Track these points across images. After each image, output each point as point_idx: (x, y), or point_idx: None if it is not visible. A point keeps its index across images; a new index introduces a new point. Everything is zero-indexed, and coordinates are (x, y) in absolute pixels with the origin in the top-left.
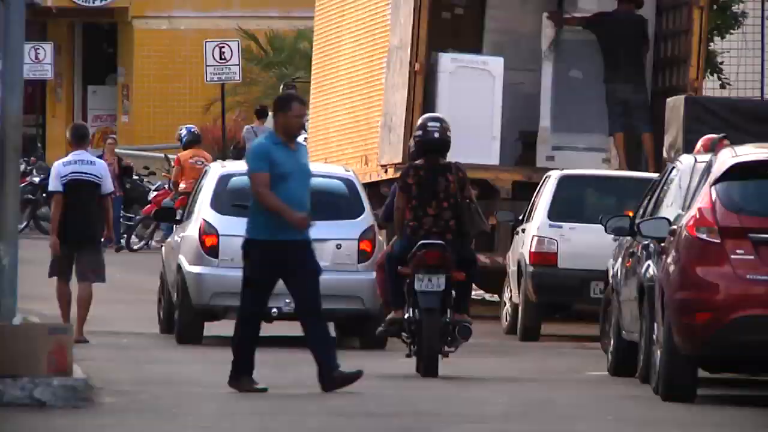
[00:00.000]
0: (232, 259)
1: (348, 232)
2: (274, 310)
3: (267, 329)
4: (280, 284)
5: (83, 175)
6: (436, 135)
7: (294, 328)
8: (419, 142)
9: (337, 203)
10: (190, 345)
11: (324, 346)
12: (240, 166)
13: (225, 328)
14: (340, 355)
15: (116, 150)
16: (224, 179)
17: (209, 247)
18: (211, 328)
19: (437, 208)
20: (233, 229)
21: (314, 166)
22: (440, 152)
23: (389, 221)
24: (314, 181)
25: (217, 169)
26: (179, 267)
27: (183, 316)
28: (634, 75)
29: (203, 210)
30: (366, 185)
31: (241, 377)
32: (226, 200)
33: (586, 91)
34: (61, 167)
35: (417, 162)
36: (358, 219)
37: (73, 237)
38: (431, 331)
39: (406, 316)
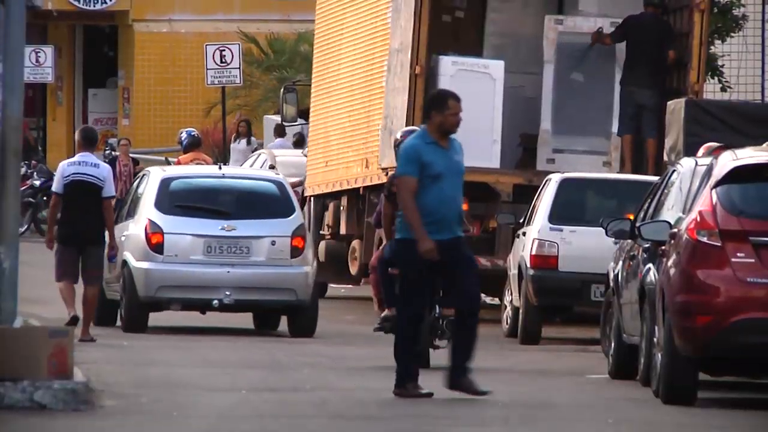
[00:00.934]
0: (176, 255)
1: (281, 229)
2: (215, 301)
3: (205, 320)
4: (222, 276)
5: (85, 176)
6: None
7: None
8: None
9: (271, 204)
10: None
11: (466, 347)
12: (179, 170)
13: (170, 318)
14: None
15: (130, 153)
16: (166, 182)
17: (155, 244)
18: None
19: None
20: (176, 227)
21: (247, 171)
22: None
23: (380, 227)
24: (249, 183)
25: (158, 174)
26: (125, 262)
27: (130, 307)
28: (653, 80)
29: (147, 210)
30: (367, 188)
31: (407, 383)
32: (168, 201)
33: (587, 94)
34: (66, 167)
35: None
36: (290, 218)
37: (78, 238)
38: (423, 326)
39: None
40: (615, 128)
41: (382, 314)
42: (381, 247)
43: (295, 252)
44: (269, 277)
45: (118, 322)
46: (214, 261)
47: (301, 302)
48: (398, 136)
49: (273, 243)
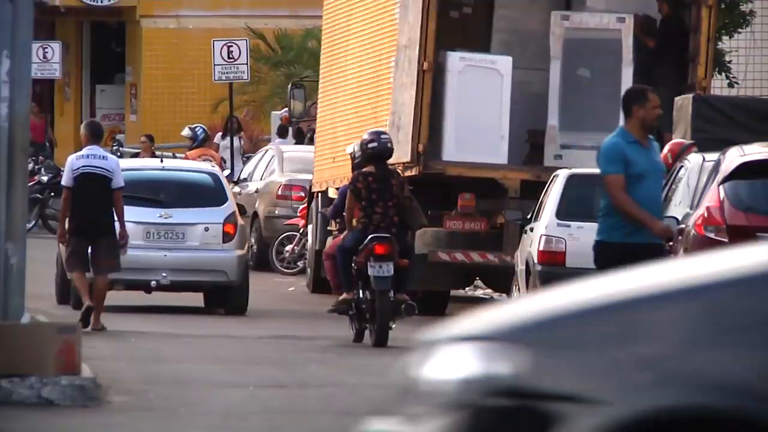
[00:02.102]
0: None
1: (214, 217)
2: (153, 282)
3: (148, 299)
4: (160, 259)
5: (95, 168)
6: (388, 145)
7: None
8: (372, 151)
9: (205, 193)
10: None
11: None
12: (125, 164)
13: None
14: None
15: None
16: None
17: None
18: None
19: (384, 206)
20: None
21: (186, 164)
22: (387, 159)
23: (336, 218)
24: (186, 175)
25: None
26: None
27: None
28: (673, 75)
29: None
30: None
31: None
32: None
33: (594, 89)
34: (75, 161)
35: (365, 170)
36: (223, 206)
37: (87, 229)
38: (383, 309)
39: (356, 297)
40: (622, 123)
41: (339, 297)
42: (342, 237)
43: (227, 237)
44: (202, 260)
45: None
46: (153, 246)
47: (232, 282)
48: (354, 147)
49: (206, 229)
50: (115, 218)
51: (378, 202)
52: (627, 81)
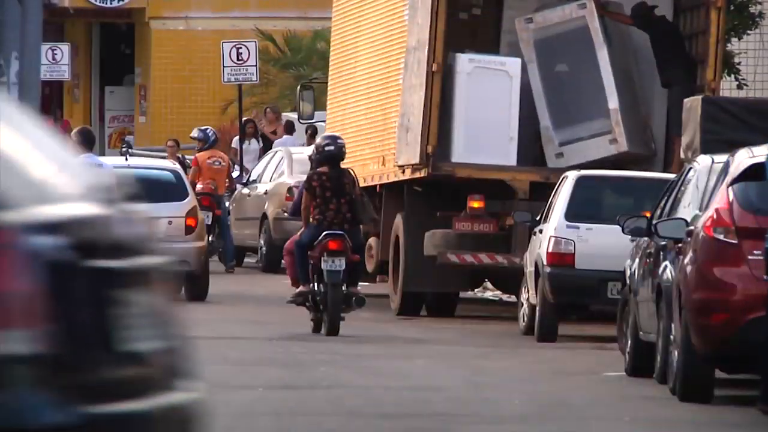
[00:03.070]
0: None
1: (176, 211)
2: None
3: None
4: None
5: None
6: (342, 149)
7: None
8: (328, 153)
9: (168, 189)
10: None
11: None
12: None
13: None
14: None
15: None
16: None
17: None
18: None
19: (337, 204)
20: None
21: (149, 161)
22: (341, 161)
23: (295, 215)
24: (149, 172)
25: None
26: None
27: None
28: (684, 76)
29: None
30: (384, 186)
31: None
32: None
33: (575, 82)
34: None
35: (320, 169)
36: (184, 201)
37: None
38: (336, 300)
39: (311, 289)
40: (611, 104)
41: (297, 290)
42: (299, 233)
43: (189, 230)
44: (167, 251)
45: None
46: None
47: (194, 272)
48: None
49: (170, 222)
50: None
51: (332, 200)
52: (604, 62)
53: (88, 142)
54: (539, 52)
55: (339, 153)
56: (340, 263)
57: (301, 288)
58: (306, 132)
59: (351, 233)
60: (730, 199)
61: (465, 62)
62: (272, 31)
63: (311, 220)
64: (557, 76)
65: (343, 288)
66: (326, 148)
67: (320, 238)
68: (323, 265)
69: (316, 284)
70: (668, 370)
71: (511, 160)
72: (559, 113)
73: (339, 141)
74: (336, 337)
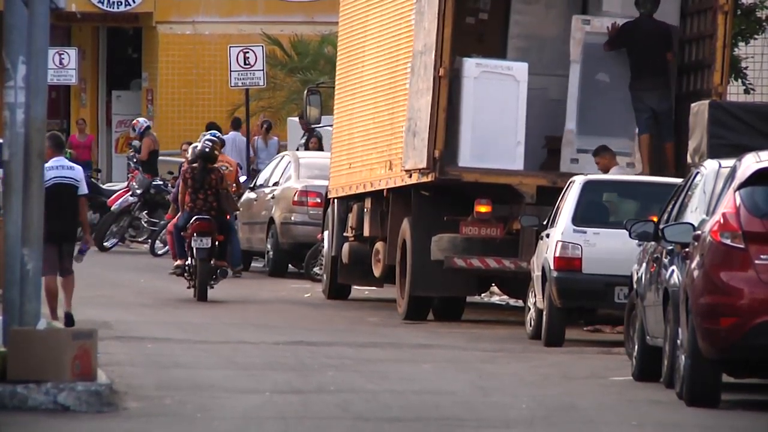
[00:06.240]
0: None
1: None
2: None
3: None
4: None
5: (64, 179)
6: (216, 152)
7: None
8: (200, 152)
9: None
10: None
11: None
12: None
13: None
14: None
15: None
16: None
17: None
18: None
19: (205, 194)
20: None
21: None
22: (210, 159)
23: (175, 202)
24: None
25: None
26: None
27: None
28: (660, 84)
29: None
30: (391, 190)
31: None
32: None
33: (612, 94)
34: (46, 172)
35: (193, 165)
36: None
37: (58, 235)
38: (203, 272)
39: (187, 263)
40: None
41: (175, 263)
42: (177, 217)
43: None
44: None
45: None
46: None
47: None
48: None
49: None
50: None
51: (200, 191)
52: None
53: (59, 147)
54: (586, 55)
55: (210, 153)
56: (206, 242)
57: (178, 262)
58: (303, 135)
59: (217, 218)
60: (737, 204)
61: (472, 67)
62: (279, 36)
63: (185, 206)
64: (596, 84)
65: (212, 262)
66: (199, 149)
67: (192, 221)
68: (193, 243)
69: (190, 259)
70: (675, 374)
71: (518, 164)
72: (587, 120)
73: (213, 143)
74: (343, 341)
